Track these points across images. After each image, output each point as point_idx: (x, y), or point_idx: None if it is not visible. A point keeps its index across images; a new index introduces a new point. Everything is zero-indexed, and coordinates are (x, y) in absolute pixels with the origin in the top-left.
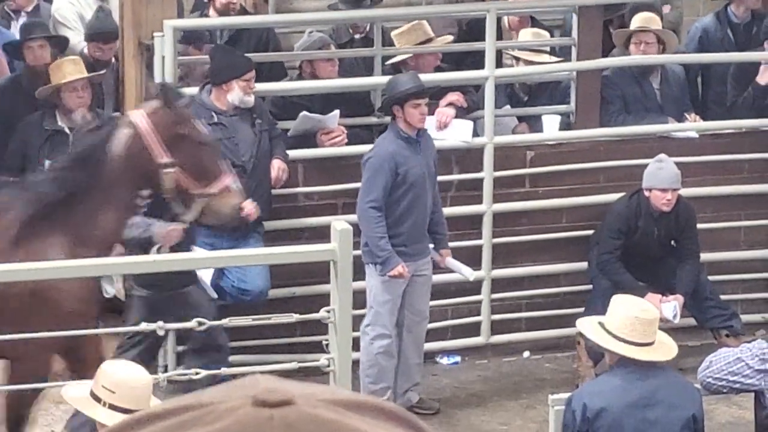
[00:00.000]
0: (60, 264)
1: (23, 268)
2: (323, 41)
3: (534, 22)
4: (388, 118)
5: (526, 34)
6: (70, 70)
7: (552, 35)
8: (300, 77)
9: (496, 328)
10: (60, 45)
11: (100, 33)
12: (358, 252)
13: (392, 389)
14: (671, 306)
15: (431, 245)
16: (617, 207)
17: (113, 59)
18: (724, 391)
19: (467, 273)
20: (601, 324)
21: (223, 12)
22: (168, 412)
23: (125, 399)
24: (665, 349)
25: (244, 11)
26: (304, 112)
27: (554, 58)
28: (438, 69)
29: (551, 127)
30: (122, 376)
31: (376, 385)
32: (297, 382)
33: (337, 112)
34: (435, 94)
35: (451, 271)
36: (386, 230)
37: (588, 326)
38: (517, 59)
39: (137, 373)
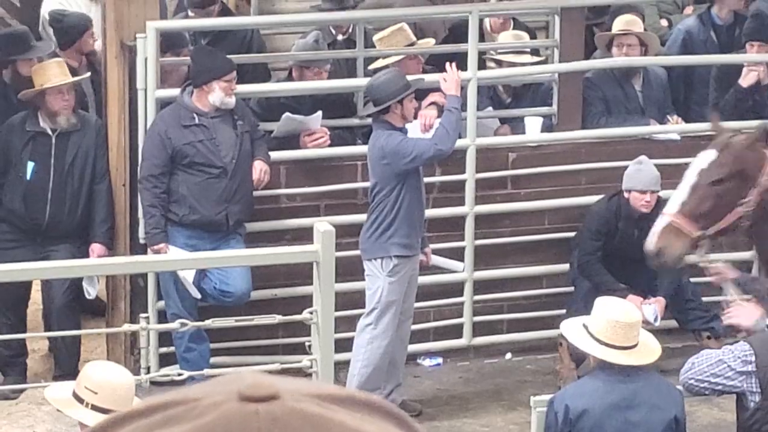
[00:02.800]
0: (45, 265)
1: (10, 268)
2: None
3: (516, 25)
4: (369, 120)
5: (506, 37)
6: (55, 73)
7: (535, 37)
8: (289, 78)
9: (478, 329)
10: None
11: None
12: (341, 254)
13: (380, 390)
14: (652, 309)
15: None
16: (596, 209)
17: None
18: (707, 393)
19: (456, 266)
20: (585, 326)
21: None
22: (152, 409)
23: (108, 400)
24: (647, 351)
25: (226, 11)
26: (287, 114)
27: (535, 58)
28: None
29: (533, 129)
30: (105, 377)
31: (366, 385)
32: (282, 377)
33: (319, 113)
34: (417, 95)
35: (431, 272)
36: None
37: (571, 329)
38: (500, 62)
39: (120, 374)
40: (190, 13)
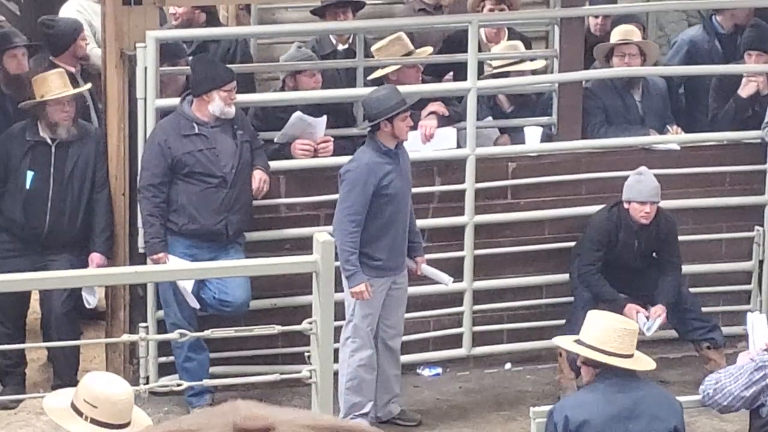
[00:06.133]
0: (44, 275)
1: (10, 278)
2: (308, 58)
3: (511, 34)
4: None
5: (503, 47)
6: (57, 84)
7: (530, 46)
8: (282, 90)
9: (478, 339)
10: (32, 51)
11: None
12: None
13: (373, 402)
14: (643, 318)
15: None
16: (597, 219)
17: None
18: (736, 408)
19: (445, 279)
20: (579, 341)
21: (186, 25)
22: None
23: (107, 413)
24: (644, 361)
25: (213, 21)
26: (298, 113)
27: (537, 64)
28: (421, 81)
29: (533, 139)
30: (104, 391)
31: (356, 398)
32: (277, 408)
33: (324, 117)
34: (416, 105)
35: (430, 282)
36: (358, 246)
37: (567, 344)
38: (507, 73)
39: (119, 387)
40: (173, 22)
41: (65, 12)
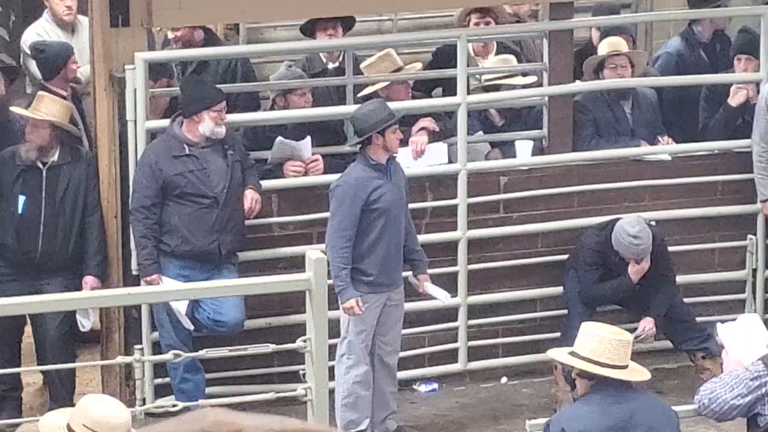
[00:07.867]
0: (38, 299)
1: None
2: (298, 77)
3: (499, 48)
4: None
5: (495, 61)
6: (49, 109)
7: (520, 59)
8: (272, 109)
9: (473, 354)
10: (11, 74)
11: None
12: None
13: (370, 419)
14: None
15: (409, 272)
16: (589, 242)
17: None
18: (731, 417)
19: (442, 296)
20: (573, 354)
21: (186, 45)
22: None
23: None
24: (639, 372)
25: (212, 40)
26: (280, 138)
27: (529, 79)
28: (411, 97)
29: (524, 153)
30: (103, 415)
31: (353, 414)
32: (245, 414)
33: (308, 138)
34: (406, 120)
35: (425, 298)
36: (350, 261)
37: (561, 356)
38: (498, 87)
39: (118, 411)
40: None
41: (27, 36)
